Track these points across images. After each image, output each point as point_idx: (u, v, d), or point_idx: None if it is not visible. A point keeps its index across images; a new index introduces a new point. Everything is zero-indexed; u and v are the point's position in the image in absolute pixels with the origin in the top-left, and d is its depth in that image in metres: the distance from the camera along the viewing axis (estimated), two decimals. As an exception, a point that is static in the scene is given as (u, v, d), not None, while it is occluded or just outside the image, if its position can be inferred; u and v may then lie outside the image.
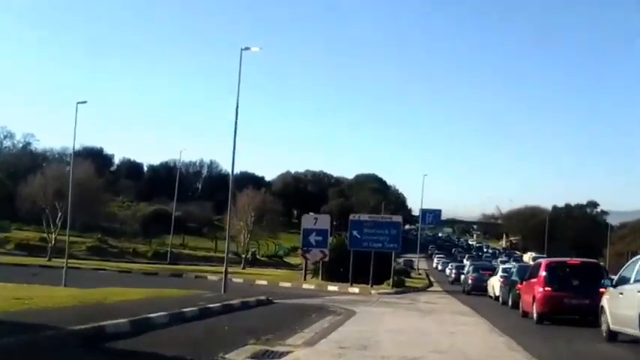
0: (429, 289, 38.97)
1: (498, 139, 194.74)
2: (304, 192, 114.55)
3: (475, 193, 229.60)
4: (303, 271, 35.99)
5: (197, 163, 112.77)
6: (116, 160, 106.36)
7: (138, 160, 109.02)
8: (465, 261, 74.52)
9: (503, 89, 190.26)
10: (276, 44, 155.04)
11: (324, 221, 35.67)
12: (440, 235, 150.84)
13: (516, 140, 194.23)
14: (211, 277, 36.63)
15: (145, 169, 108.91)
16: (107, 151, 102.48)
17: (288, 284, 33.90)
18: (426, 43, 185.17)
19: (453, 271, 48.00)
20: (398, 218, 34.40)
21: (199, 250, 62.96)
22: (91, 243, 52.30)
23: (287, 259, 65.00)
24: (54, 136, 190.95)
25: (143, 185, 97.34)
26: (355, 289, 30.83)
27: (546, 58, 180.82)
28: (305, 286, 33.00)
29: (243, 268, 49.05)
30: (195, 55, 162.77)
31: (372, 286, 31.78)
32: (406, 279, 39.74)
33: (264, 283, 34.85)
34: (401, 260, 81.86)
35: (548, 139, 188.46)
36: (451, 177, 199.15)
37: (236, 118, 23.22)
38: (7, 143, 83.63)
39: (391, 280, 32.65)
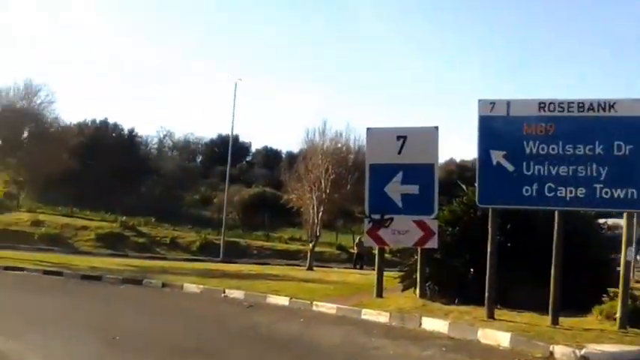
0: None
1: None
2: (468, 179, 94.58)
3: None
4: (375, 276, 14.78)
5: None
6: (253, 149, 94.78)
7: (278, 148, 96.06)
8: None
9: None
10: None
11: (423, 142, 13.55)
12: None
13: None
14: (191, 289, 17.32)
15: (284, 156, 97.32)
16: (244, 139, 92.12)
17: (332, 308, 13.23)
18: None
19: None
20: (634, 109, 10.35)
21: (293, 244, 43.70)
22: (108, 229, 35.41)
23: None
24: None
25: (278, 173, 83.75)
26: (503, 336, 9.53)
27: None
28: (369, 314, 12.24)
29: (310, 268, 27.50)
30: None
31: (554, 318, 10.25)
32: None
33: (283, 303, 14.49)
34: None
35: None
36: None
37: None
38: (167, 142, 75.98)
39: (620, 300, 10.54)
